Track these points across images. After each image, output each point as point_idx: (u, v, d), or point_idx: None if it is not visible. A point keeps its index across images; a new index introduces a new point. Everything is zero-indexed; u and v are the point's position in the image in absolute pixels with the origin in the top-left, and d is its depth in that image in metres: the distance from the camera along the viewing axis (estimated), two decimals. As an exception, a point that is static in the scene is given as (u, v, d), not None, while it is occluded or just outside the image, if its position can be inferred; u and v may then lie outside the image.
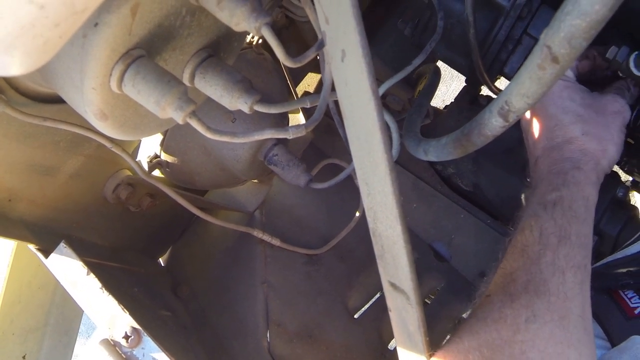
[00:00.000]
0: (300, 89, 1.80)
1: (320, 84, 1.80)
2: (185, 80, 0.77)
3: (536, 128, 1.06)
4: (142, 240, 1.47)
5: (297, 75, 1.74)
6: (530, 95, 0.60)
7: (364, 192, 0.65)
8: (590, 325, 0.80)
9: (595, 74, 1.16)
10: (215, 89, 0.75)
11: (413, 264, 0.65)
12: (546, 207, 0.91)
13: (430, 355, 0.77)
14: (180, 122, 0.66)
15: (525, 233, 0.89)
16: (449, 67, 1.41)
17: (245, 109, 0.74)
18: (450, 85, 3.51)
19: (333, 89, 0.69)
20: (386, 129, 0.57)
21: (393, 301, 0.74)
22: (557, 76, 0.57)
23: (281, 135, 0.75)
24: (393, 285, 0.71)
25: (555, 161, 0.98)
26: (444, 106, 1.73)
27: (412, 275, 0.66)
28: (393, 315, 0.77)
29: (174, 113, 0.66)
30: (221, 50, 0.82)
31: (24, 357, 1.41)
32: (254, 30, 0.64)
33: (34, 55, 0.44)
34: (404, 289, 0.69)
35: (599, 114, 1.03)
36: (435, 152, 0.85)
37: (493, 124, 0.69)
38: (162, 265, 1.62)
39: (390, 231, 0.64)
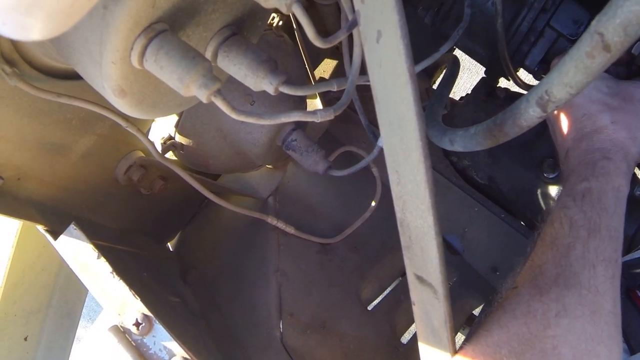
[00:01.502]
0: (316, 75, 1.78)
1: (336, 71, 1.78)
2: (208, 58, 0.75)
3: (564, 120, 1.04)
4: (151, 223, 1.46)
5: (315, 60, 1.72)
6: (574, 85, 0.58)
7: (394, 181, 0.63)
8: (620, 322, 0.78)
9: (618, 70, 1.15)
10: (239, 68, 0.72)
11: (443, 257, 0.63)
12: (575, 199, 0.89)
13: (455, 352, 0.75)
14: (205, 100, 0.64)
15: (555, 225, 0.87)
16: (460, 59, 1.39)
17: (271, 90, 0.71)
18: (460, 78, 3.47)
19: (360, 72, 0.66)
20: (422, 114, 0.54)
21: (418, 295, 0.72)
22: (605, 66, 0.54)
23: (309, 119, 0.73)
24: (419, 278, 0.69)
25: (585, 152, 0.96)
26: (456, 99, 1.71)
27: (442, 268, 0.64)
28: (417, 310, 0.75)
29: (198, 91, 0.63)
30: (245, 28, 0.80)
31: (25, 338, 1.40)
32: (284, 7, 0.62)
33: (59, 17, 0.41)
34: (432, 282, 0.67)
35: (627, 102, 1.01)
36: (462, 142, 0.83)
37: (530, 114, 0.66)
38: (171, 250, 1.60)
39: (421, 222, 0.62)
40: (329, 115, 0.73)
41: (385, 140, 0.60)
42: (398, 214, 0.66)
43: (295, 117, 0.71)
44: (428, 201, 0.59)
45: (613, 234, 0.84)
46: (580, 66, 0.55)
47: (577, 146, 0.98)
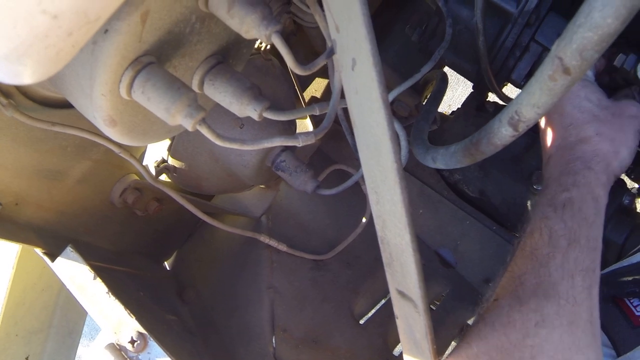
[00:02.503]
0: (308, 95, 1.79)
1: (328, 90, 1.80)
2: (194, 87, 0.77)
3: (551, 126, 1.05)
4: (148, 244, 1.47)
5: (305, 81, 1.74)
6: (541, 106, 0.60)
7: (373, 200, 0.65)
8: (599, 330, 0.80)
9: (602, 78, 1.16)
10: (224, 95, 0.75)
11: (421, 273, 0.65)
12: (556, 208, 0.90)
13: None
14: (190, 129, 0.66)
15: (535, 236, 0.88)
16: (455, 73, 1.41)
17: (255, 116, 0.74)
18: (456, 90, 3.50)
19: (342, 96, 0.68)
20: (396, 138, 0.57)
21: (400, 309, 0.74)
22: (568, 87, 0.56)
23: (290, 143, 0.75)
24: (401, 293, 0.71)
25: (567, 161, 0.97)
26: (450, 112, 1.72)
27: (420, 284, 0.66)
28: (400, 323, 0.77)
29: (184, 120, 0.66)
30: (230, 56, 0.82)
31: (27, 358, 1.41)
32: (264, 38, 0.64)
33: (47, 64, 0.44)
34: (412, 297, 0.69)
35: (615, 116, 1.01)
36: (443, 160, 0.85)
37: (503, 133, 0.68)
38: (168, 269, 1.62)
39: (399, 239, 0.64)
40: (310, 140, 0.75)
41: (364, 163, 0.63)
42: (379, 232, 0.68)
43: (278, 142, 0.74)
44: (405, 220, 0.61)
45: (592, 244, 0.85)
46: (545, 88, 0.58)
47: (560, 154, 0.99)
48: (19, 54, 0.40)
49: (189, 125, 0.66)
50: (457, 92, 3.47)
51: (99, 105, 0.67)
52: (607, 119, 1.01)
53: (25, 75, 0.43)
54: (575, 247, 0.84)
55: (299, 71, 0.68)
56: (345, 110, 1.02)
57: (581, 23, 0.50)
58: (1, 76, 0.43)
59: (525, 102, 0.62)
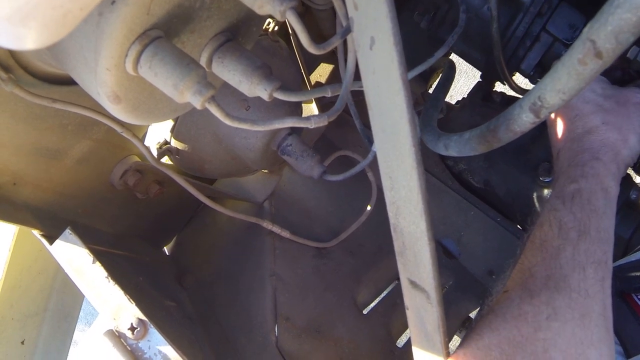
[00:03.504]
0: (312, 79, 1.78)
1: (332, 75, 1.78)
2: (202, 64, 0.75)
3: (558, 120, 1.04)
4: (148, 227, 1.46)
5: (311, 65, 1.72)
6: (567, 92, 0.58)
7: (387, 187, 0.63)
8: (611, 323, 0.78)
9: (614, 73, 1.15)
10: (233, 74, 0.72)
11: (436, 262, 0.63)
12: (565, 200, 0.89)
13: (448, 356, 0.75)
14: (199, 107, 0.64)
15: (544, 228, 0.88)
16: (457, 64, 1.39)
17: (265, 96, 0.72)
18: (457, 81, 3.49)
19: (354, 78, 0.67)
20: (415, 121, 0.54)
21: (412, 300, 0.72)
22: (597, 72, 0.54)
23: (303, 125, 0.73)
24: (413, 283, 0.69)
25: (575, 153, 0.97)
26: (453, 102, 1.71)
27: (435, 274, 0.64)
28: (410, 314, 0.75)
29: (193, 97, 0.63)
30: (240, 34, 0.80)
31: (22, 342, 1.40)
32: (279, 14, 0.62)
33: (52, 27, 0.41)
34: (425, 287, 0.67)
35: (620, 105, 1.02)
36: (457, 147, 0.83)
37: (523, 119, 0.66)
38: (167, 254, 1.60)
39: (414, 227, 0.62)
40: (323, 122, 0.73)
41: (379, 147, 0.61)
42: (391, 220, 0.66)
43: (289, 123, 0.72)
44: (421, 207, 0.59)
45: (602, 235, 0.84)
46: (573, 73, 0.55)
47: (568, 147, 0.99)
48: (22, 15, 0.38)
49: (197, 103, 0.64)
50: (459, 83, 3.46)
51: (103, 80, 0.65)
52: (613, 108, 1.01)
53: (28, 39, 0.41)
54: (585, 239, 0.83)
55: (313, 50, 0.66)
56: (354, 94, 1.00)
57: (619, 3, 0.47)
58: (2, 40, 0.40)
59: (549, 88, 0.60)
